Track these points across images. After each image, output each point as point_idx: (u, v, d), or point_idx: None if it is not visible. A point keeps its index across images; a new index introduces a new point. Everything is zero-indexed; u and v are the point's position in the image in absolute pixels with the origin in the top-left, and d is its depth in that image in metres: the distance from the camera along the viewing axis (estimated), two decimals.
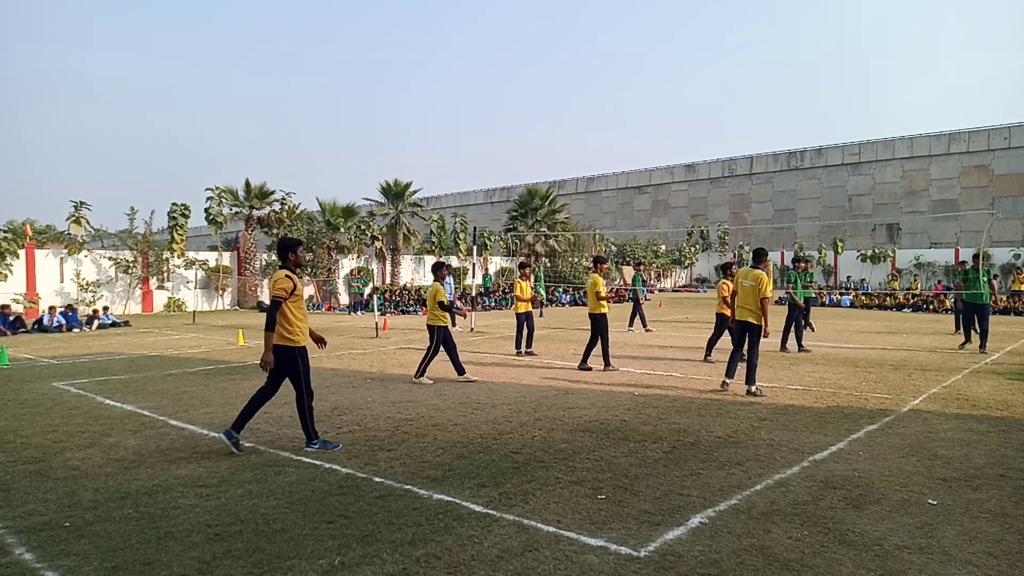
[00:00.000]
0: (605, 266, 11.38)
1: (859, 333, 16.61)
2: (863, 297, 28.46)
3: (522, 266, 13.34)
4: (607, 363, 10.34)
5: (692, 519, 4.22)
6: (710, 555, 3.69)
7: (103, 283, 23.18)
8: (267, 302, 27.70)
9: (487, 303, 27.61)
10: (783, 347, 12.94)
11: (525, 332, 12.42)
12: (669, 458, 5.60)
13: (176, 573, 3.50)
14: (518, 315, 12.57)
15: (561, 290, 30.35)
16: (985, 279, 12.78)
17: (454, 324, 17.43)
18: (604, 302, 10.49)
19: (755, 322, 8.44)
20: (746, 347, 8.58)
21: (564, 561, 3.61)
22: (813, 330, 16.71)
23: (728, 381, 8.72)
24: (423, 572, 3.49)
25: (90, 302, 21.83)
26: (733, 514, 4.31)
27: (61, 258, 22.44)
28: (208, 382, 9.52)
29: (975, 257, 13.11)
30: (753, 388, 8.37)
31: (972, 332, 13.32)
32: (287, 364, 5.84)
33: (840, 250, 42.43)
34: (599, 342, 10.46)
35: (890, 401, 7.96)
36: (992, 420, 6.98)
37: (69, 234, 23.08)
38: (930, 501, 4.55)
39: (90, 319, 18.77)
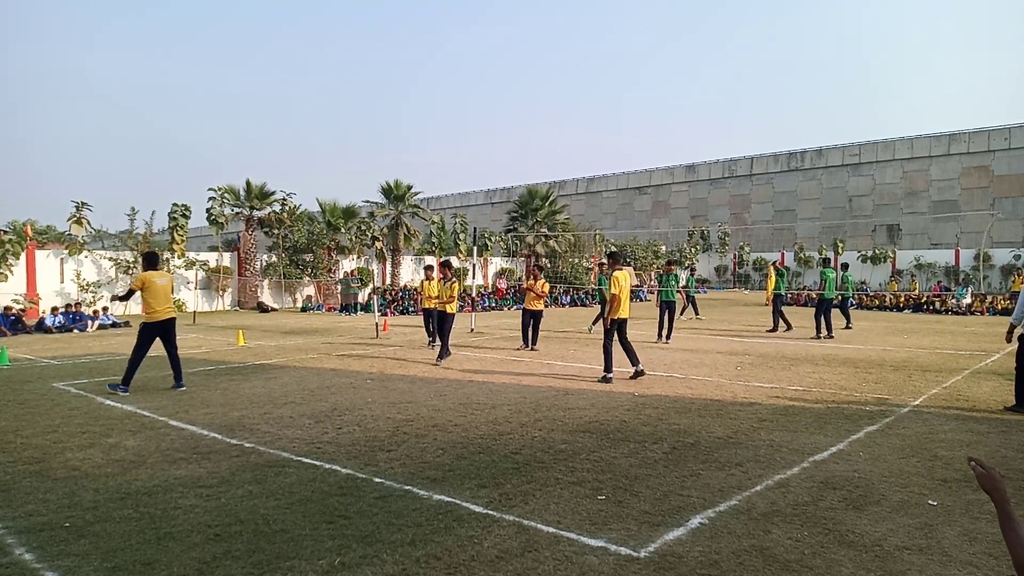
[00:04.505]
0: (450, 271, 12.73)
1: (859, 333, 16.61)
2: (864, 297, 28.41)
3: (428, 268, 15.09)
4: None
5: (692, 520, 4.23)
6: (710, 556, 3.69)
7: (103, 284, 23.17)
8: (267, 303, 27.56)
9: (487, 303, 27.63)
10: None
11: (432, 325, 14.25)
12: (669, 459, 5.60)
13: (176, 573, 3.50)
14: (424, 310, 14.40)
15: (562, 291, 30.33)
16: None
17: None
18: (452, 303, 11.96)
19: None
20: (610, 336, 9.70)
21: (564, 562, 3.61)
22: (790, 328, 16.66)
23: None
24: (423, 573, 3.50)
25: (91, 303, 21.83)
26: (733, 515, 4.31)
27: (62, 259, 22.43)
28: (208, 382, 9.53)
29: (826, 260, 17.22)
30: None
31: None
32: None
33: (840, 251, 42.41)
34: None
35: (890, 402, 7.96)
36: (992, 421, 6.98)
37: (70, 235, 23.04)
38: (930, 502, 4.55)
39: (90, 318, 18.77)
